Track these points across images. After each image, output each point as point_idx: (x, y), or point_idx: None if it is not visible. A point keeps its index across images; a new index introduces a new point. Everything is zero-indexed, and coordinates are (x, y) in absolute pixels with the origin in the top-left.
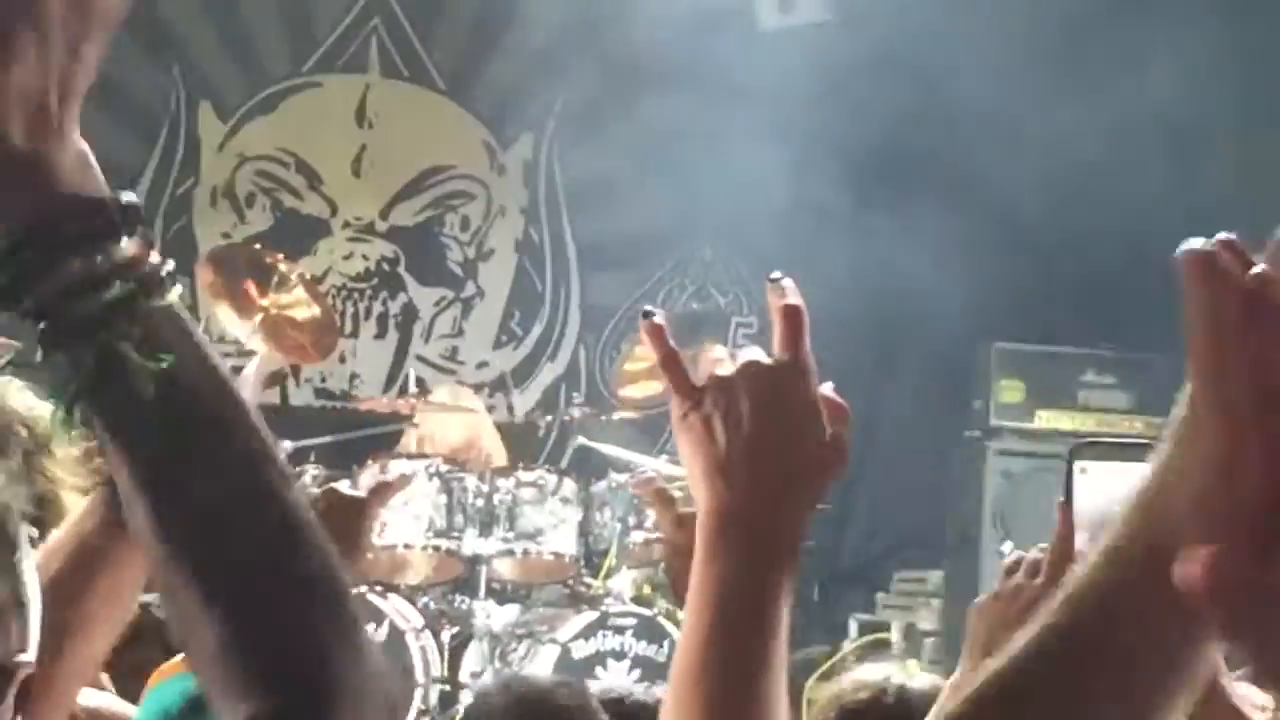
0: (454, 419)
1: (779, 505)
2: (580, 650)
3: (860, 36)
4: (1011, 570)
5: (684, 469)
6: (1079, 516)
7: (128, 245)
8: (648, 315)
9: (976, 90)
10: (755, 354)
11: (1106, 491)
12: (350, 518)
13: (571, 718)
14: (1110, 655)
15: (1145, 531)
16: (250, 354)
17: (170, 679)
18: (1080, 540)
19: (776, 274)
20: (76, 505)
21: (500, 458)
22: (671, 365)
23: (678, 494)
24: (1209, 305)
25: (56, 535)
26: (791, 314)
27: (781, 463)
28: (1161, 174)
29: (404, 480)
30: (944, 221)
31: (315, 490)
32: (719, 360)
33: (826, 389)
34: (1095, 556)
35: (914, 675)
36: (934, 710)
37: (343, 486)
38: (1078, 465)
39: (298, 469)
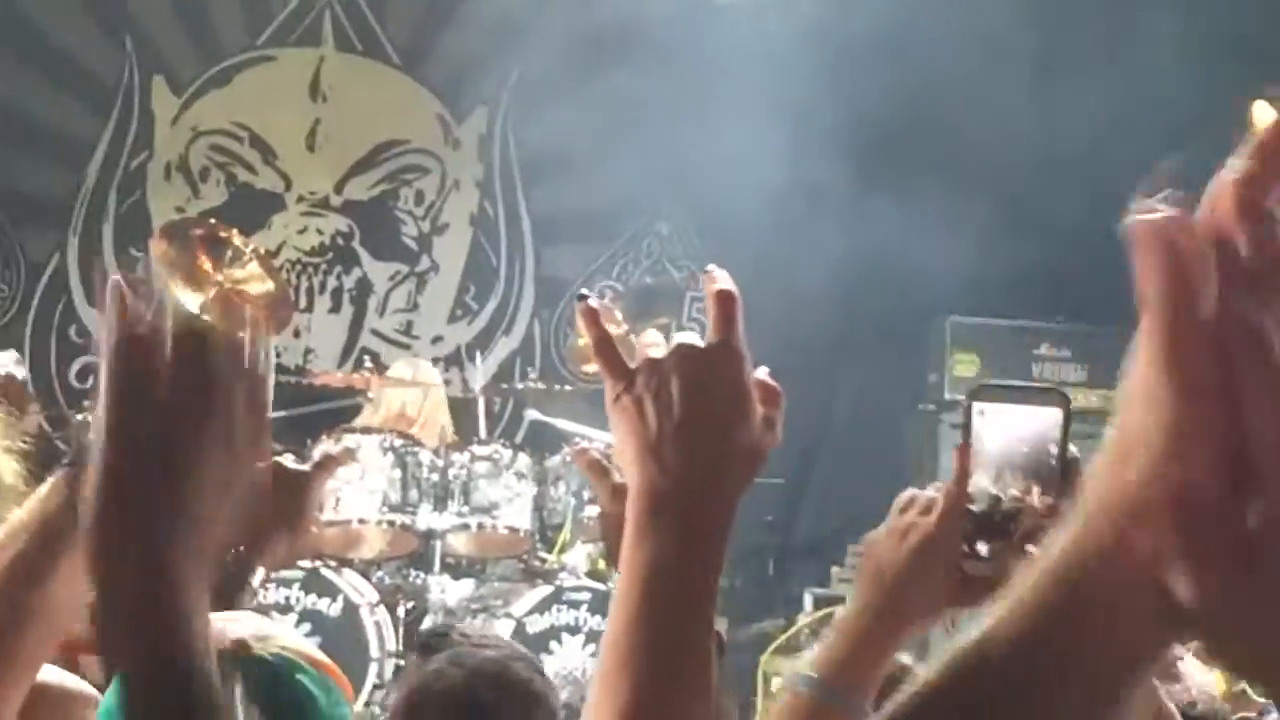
0: (408, 394)
1: (709, 487)
2: (535, 625)
3: (816, 9)
4: (905, 507)
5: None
6: (978, 457)
7: None
8: (582, 298)
9: (933, 65)
10: (687, 337)
11: (1004, 433)
12: (295, 492)
13: (529, 691)
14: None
15: (1096, 520)
16: None
17: None
18: (978, 480)
19: (710, 267)
20: (6, 467)
21: (444, 433)
22: (604, 348)
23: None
24: (1162, 272)
25: (18, 515)
26: (724, 299)
27: (712, 444)
28: (1121, 147)
29: (348, 454)
30: (899, 197)
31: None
32: (653, 343)
33: (760, 372)
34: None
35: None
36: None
37: (287, 460)
38: (976, 408)
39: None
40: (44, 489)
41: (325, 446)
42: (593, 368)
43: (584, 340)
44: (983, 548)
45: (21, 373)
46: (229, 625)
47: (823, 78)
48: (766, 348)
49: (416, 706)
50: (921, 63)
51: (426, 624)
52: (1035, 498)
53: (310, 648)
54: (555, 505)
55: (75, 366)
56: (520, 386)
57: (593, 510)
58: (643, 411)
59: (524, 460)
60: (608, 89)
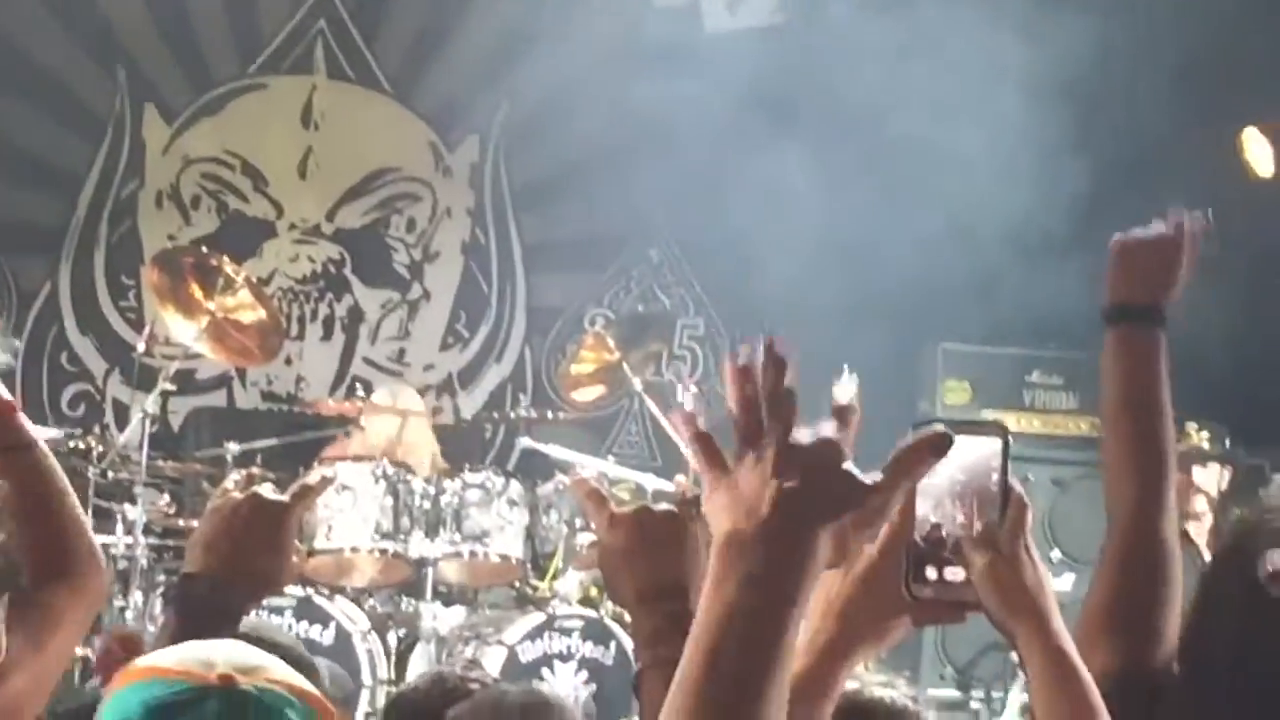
0: (397, 422)
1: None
2: (527, 652)
3: (804, 37)
4: None
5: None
6: (921, 486)
7: None
8: (677, 407)
9: (928, 90)
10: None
11: (946, 463)
12: (275, 522)
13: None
14: None
15: None
16: (197, 356)
17: (133, 685)
18: (920, 509)
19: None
20: None
21: (435, 460)
22: (704, 443)
23: (622, 496)
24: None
25: None
26: (841, 413)
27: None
28: (1115, 174)
29: (326, 481)
30: (890, 223)
31: (238, 495)
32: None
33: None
34: None
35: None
36: None
37: (265, 490)
38: None
39: (234, 473)
40: None
41: (305, 478)
42: (584, 395)
43: (575, 367)
44: (928, 573)
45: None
46: (215, 654)
47: (811, 103)
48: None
49: None
50: (914, 83)
51: (418, 653)
52: (975, 525)
53: (299, 679)
54: (547, 533)
55: (67, 394)
56: (512, 414)
57: (585, 538)
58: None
59: (516, 488)
60: (598, 117)
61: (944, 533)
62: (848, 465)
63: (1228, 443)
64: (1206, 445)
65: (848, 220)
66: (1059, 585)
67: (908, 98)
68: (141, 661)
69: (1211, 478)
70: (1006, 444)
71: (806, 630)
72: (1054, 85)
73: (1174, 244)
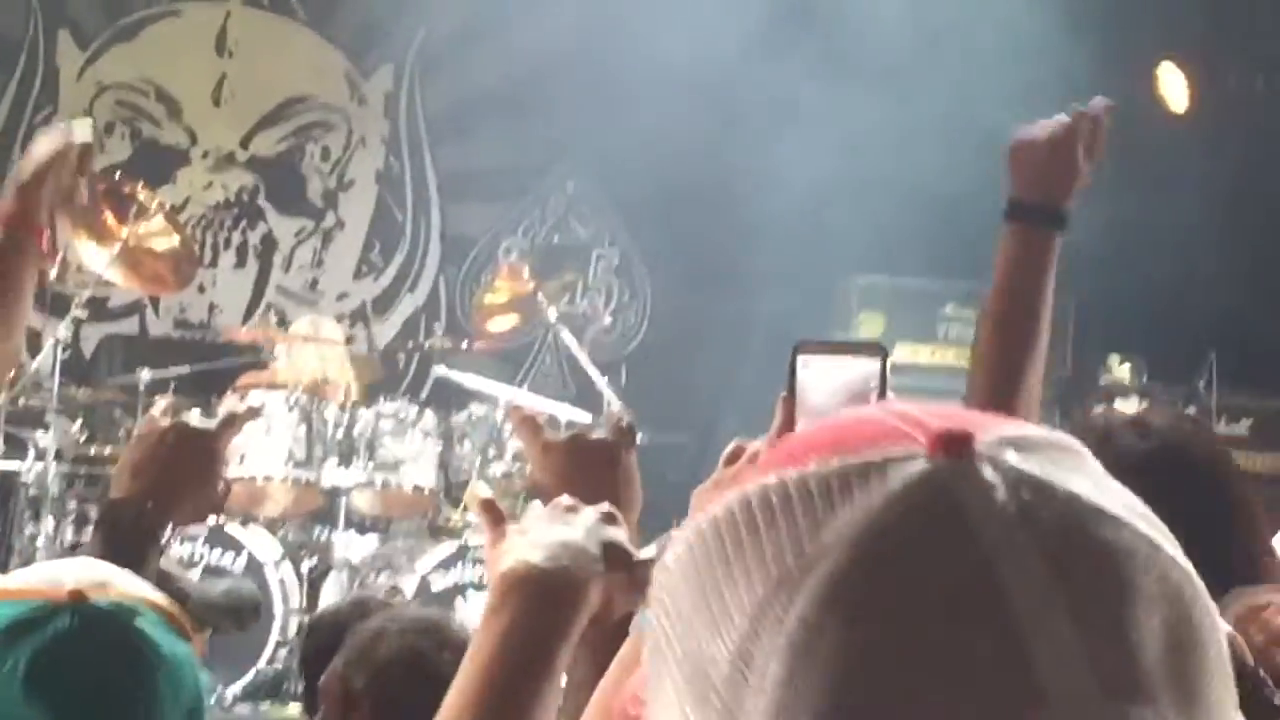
0: (311, 351)
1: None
2: (439, 582)
3: None
4: (731, 459)
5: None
6: (801, 407)
7: None
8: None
9: (839, 25)
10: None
11: (825, 384)
12: (202, 449)
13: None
14: None
15: None
16: (109, 283)
17: None
18: (800, 428)
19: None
20: None
21: (355, 391)
22: (489, 509)
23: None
24: None
25: None
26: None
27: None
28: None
29: (253, 411)
30: (804, 157)
31: (165, 422)
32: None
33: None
34: None
35: None
36: None
37: (192, 418)
38: (800, 360)
39: (155, 399)
40: None
41: (230, 404)
42: (498, 325)
43: (489, 297)
44: None
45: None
46: (63, 573)
47: (729, 35)
48: (671, 308)
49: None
50: (829, 16)
51: (331, 581)
52: None
53: (149, 591)
54: (461, 463)
55: None
56: (426, 344)
57: (498, 468)
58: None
59: (429, 417)
60: (514, 46)
61: None
62: (620, 536)
63: (1145, 377)
64: (1127, 379)
65: (762, 151)
66: None
67: (822, 27)
68: None
69: (1130, 410)
70: (885, 365)
71: None
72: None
73: (1068, 145)
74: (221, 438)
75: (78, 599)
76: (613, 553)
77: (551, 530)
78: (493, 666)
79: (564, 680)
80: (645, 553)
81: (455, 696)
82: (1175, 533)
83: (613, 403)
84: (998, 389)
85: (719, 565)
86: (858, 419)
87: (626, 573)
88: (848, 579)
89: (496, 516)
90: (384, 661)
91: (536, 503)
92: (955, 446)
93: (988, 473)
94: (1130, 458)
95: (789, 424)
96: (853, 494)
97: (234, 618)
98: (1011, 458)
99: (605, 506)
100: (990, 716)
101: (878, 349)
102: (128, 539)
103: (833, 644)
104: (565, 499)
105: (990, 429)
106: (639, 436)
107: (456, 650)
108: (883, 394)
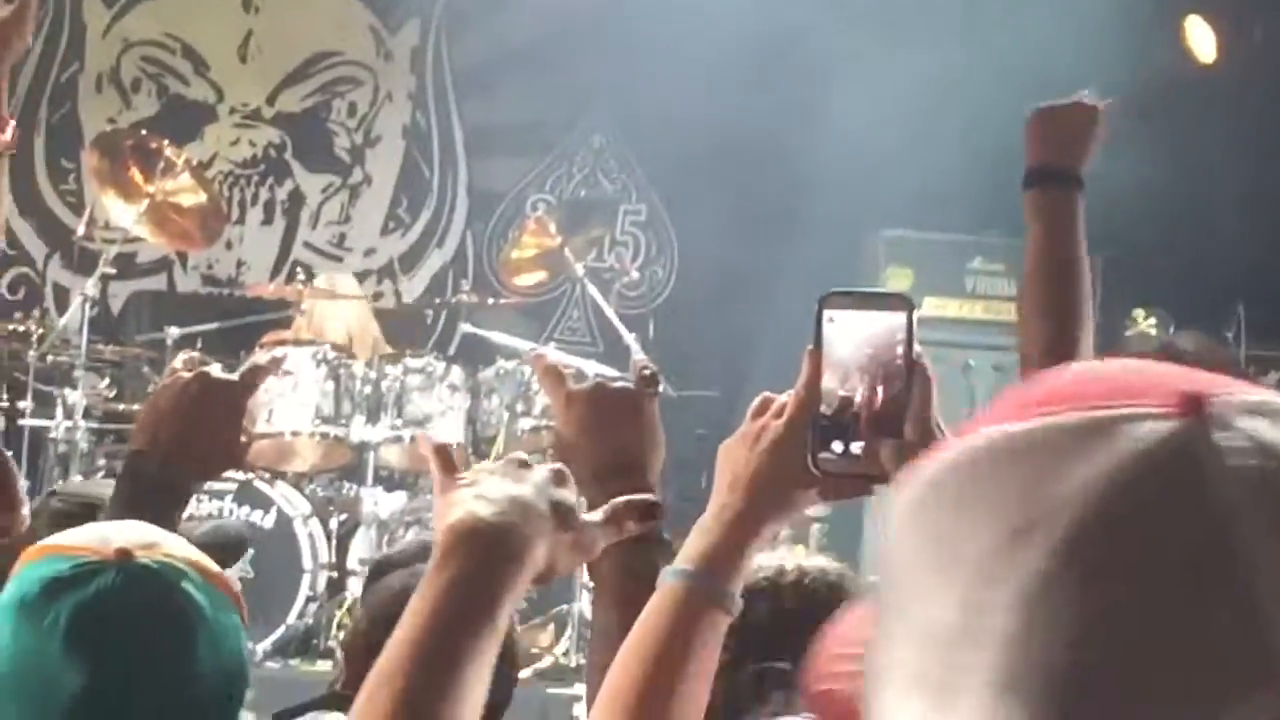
0: (339, 307)
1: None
2: None
3: None
4: (758, 412)
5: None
6: (827, 360)
7: None
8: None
9: None
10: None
11: (852, 338)
12: (226, 403)
13: None
14: None
15: None
16: (137, 240)
17: (31, 563)
18: (827, 382)
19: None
20: None
21: (382, 346)
22: (440, 454)
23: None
24: None
25: None
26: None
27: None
28: (1059, 57)
29: (275, 363)
30: (830, 111)
31: (187, 374)
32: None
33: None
34: None
35: (806, 558)
36: None
37: (214, 370)
38: (826, 315)
39: (184, 354)
40: None
41: (254, 358)
42: (525, 280)
43: (516, 252)
44: (834, 446)
45: None
46: (113, 533)
47: None
48: (699, 262)
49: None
50: None
51: (359, 537)
52: (880, 397)
53: (198, 555)
54: (488, 418)
55: (7, 278)
56: (453, 299)
57: (526, 423)
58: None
59: (457, 373)
60: (540, 1)
61: (851, 407)
62: (569, 497)
63: (1171, 329)
64: (1153, 331)
65: (788, 105)
66: None
67: None
68: (41, 543)
69: None
70: (912, 317)
71: (714, 504)
72: None
73: (1087, 111)
74: (245, 390)
75: (124, 557)
76: (561, 512)
77: (502, 485)
78: (434, 618)
79: (500, 633)
80: (591, 517)
81: (393, 648)
82: None
83: (638, 356)
84: (1051, 348)
85: (949, 512)
86: (1093, 373)
87: (573, 533)
88: (1087, 534)
89: (448, 464)
90: (380, 612)
91: (489, 460)
92: (1197, 407)
93: (1228, 436)
94: None
95: (815, 377)
96: (1091, 449)
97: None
98: (1251, 423)
99: (558, 466)
100: (1223, 690)
101: (905, 302)
102: (150, 491)
103: (1069, 599)
104: (519, 455)
105: (1231, 392)
106: (664, 387)
107: None
108: (909, 347)
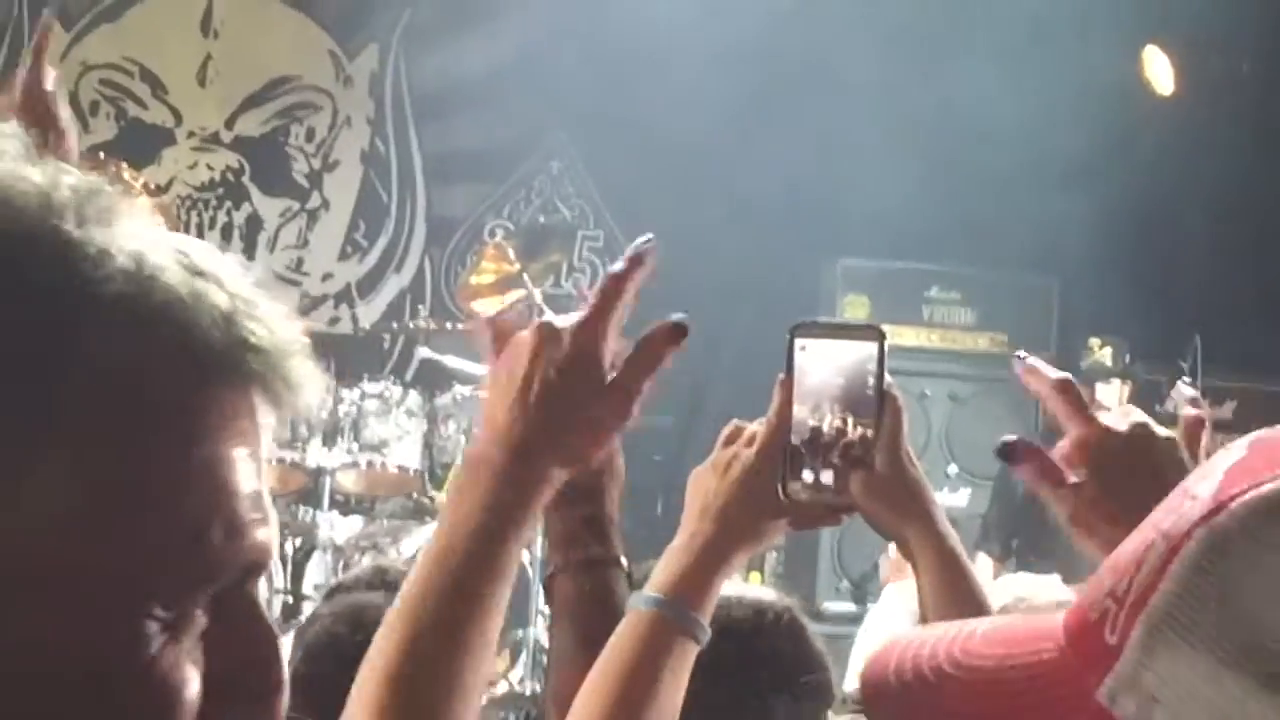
0: None
1: (532, 454)
2: None
3: None
4: (729, 440)
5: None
6: (798, 389)
7: None
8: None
9: (813, 17)
10: (550, 317)
11: (823, 367)
12: None
13: None
14: None
15: None
16: None
17: None
18: (798, 411)
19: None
20: None
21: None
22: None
23: None
24: None
25: None
26: (610, 282)
27: (545, 415)
28: (1018, 89)
29: None
30: (790, 139)
31: None
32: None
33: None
34: None
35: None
36: None
37: None
38: (797, 343)
39: None
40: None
41: None
42: (482, 306)
43: (475, 278)
44: (805, 475)
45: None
46: None
47: (715, 21)
48: (655, 288)
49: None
50: (816, 6)
51: (315, 561)
52: (851, 427)
53: None
54: (445, 443)
55: None
56: (411, 325)
57: None
58: (496, 383)
59: (414, 398)
60: (499, 27)
61: (821, 436)
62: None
63: (1128, 358)
64: (1109, 361)
65: (743, 134)
66: (955, 500)
67: (813, 14)
68: None
69: (1113, 393)
70: (883, 347)
71: (683, 532)
72: None
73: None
74: None
75: None
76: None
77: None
78: (453, 541)
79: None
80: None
81: (419, 569)
82: None
83: None
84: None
85: None
86: None
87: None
88: None
89: (505, 333)
90: (309, 644)
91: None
92: None
93: None
94: None
95: (787, 406)
96: None
97: None
98: None
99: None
100: None
101: (875, 332)
102: None
103: None
104: None
105: None
106: None
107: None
108: (880, 378)
